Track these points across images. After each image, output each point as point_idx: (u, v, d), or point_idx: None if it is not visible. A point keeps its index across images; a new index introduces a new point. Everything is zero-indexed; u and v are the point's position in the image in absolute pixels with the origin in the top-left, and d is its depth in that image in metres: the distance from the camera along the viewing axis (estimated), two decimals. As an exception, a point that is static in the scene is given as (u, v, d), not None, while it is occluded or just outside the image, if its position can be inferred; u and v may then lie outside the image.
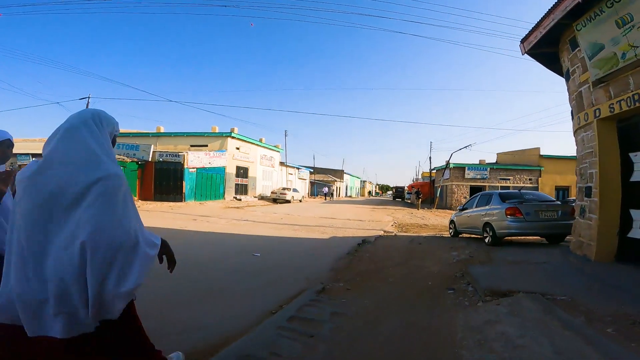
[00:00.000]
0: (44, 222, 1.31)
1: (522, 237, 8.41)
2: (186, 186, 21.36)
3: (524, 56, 8.01)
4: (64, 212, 1.31)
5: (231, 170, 26.29)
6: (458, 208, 10.40)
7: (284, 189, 30.61)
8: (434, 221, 17.02)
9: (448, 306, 3.89)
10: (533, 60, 8.26)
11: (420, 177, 55.70)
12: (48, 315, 1.29)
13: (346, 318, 3.44)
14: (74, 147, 1.37)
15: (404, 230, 12.94)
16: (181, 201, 20.83)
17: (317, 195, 47.09)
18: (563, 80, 7.67)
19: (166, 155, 21.79)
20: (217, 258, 6.17)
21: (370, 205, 30.98)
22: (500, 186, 28.96)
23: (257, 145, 31.12)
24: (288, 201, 28.88)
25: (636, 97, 4.60)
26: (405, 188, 52.03)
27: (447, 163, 30.49)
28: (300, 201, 32.28)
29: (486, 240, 7.96)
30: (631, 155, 4.99)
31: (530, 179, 29.96)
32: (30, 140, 25.15)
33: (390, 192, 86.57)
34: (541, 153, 30.52)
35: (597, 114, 5.29)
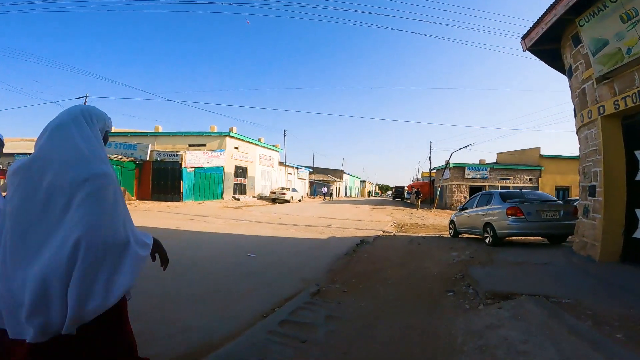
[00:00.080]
0: (32, 221, 1.28)
1: (523, 238, 8.27)
2: (184, 186, 21.21)
3: (525, 54, 7.89)
4: (52, 211, 1.28)
5: (230, 170, 26.15)
6: (458, 208, 10.26)
7: (283, 188, 30.47)
8: (434, 221, 16.89)
9: (448, 309, 3.74)
10: (535, 59, 8.14)
11: (420, 177, 55.58)
12: (23, 318, 1.24)
13: (341, 322, 3.30)
14: (61, 145, 1.33)
15: (403, 230, 12.80)
16: (179, 201, 20.68)
17: (316, 195, 46.95)
18: (564, 78, 7.55)
19: (164, 155, 21.64)
20: (212, 258, 6.03)
21: (370, 205, 30.84)
22: (500, 186, 28.82)
23: (256, 144, 30.98)
24: (287, 201, 28.73)
25: (642, 93, 4.46)
26: (405, 188, 51.90)
27: (447, 163, 30.35)
28: (300, 201, 32.14)
29: (487, 240, 7.82)
30: (637, 153, 4.86)
31: (530, 179, 29.83)
32: (27, 139, 24.98)
33: (390, 192, 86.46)
34: (541, 153, 30.38)
35: (602, 111, 5.15)
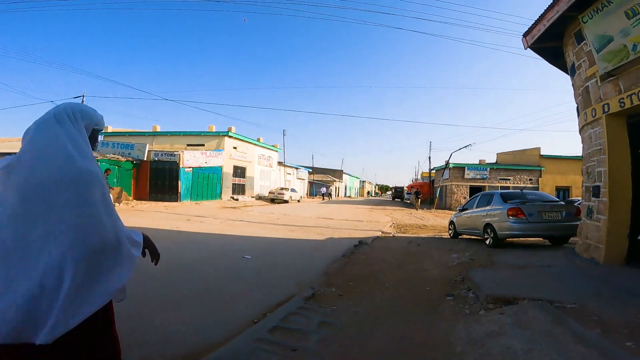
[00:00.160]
0: (18, 221, 1.23)
1: (524, 239, 8.12)
2: (182, 186, 21.04)
3: (526, 52, 7.75)
4: (38, 211, 1.23)
5: (228, 170, 25.99)
6: (458, 208, 10.10)
7: (282, 188, 30.32)
8: (433, 222, 16.74)
9: (447, 315, 3.59)
10: (536, 57, 8.00)
11: (419, 177, 55.45)
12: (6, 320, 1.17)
13: (335, 329, 3.14)
14: (45, 144, 1.29)
15: (402, 231, 12.66)
16: (177, 201, 20.52)
17: (315, 196, 46.79)
18: (565, 77, 7.40)
19: (161, 155, 21.47)
20: (204, 260, 5.87)
21: (369, 206, 30.70)
22: (500, 186, 28.68)
23: (255, 144, 30.82)
24: (286, 201, 28.58)
25: (649, 90, 4.31)
26: (405, 188, 51.79)
27: (447, 163, 30.20)
28: (299, 201, 31.99)
29: (487, 241, 7.67)
30: (642, 152, 4.71)
31: (530, 179, 29.68)
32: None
33: (389, 193, 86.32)
34: (541, 153, 30.24)
35: (606, 110, 4.99)
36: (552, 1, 6.14)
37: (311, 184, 50.89)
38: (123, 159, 20.31)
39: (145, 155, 21.31)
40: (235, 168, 27.37)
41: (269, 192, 30.07)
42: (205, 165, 23.12)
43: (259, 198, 30.00)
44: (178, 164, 20.96)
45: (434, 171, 38.31)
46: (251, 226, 11.77)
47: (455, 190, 29.86)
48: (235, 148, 26.98)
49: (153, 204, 18.80)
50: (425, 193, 34.78)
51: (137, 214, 13.56)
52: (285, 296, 4.00)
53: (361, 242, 8.63)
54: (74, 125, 1.37)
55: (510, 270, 5.31)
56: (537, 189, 27.59)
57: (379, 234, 11.06)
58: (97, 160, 18.60)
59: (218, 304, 3.67)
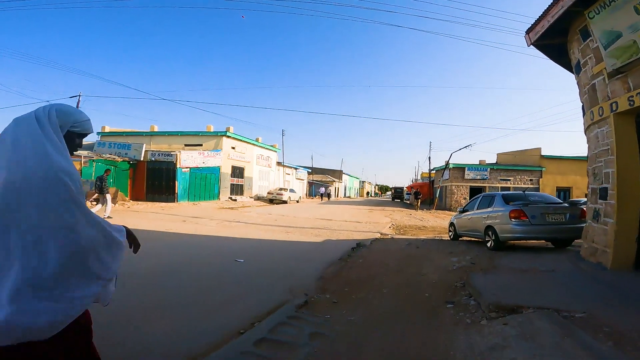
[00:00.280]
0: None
1: (526, 241, 7.90)
2: (179, 186, 20.81)
3: (527, 51, 7.54)
4: (17, 210, 1.22)
5: (226, 170, 25.75)
6: (458, 210, 9.88)
7: (280, 189, 30.10)
8: (433, 223, 16.53)
9: (447, 324, 3.37)
10: (537, 56, 7.78)
11: (419, 177, 55.24)
12: None
13: (327, 340, 2.92)
14: (15, 144, 1.28)
15: (401, 232, 12.44)
16: (174, 202, 20.28)
17: (315, 196, 46.57)
18: (566, 76, 7.20)
19: (158, 155, 21.23)
20: (195, 264, 5.65)
21: (369, 206, 30.48)
22: (501, 187, 28.48)
23: (254, 144, 30.58)
24: (285, 202, 28.36)
25: (660, 87, 4.10)
26: (405, 189, 51.59)
27: (447, 163, 29.99)
28: (298, 202, 31.77)
29: (488, 244, 7.45)
30: (653, 152, 4.50)
31: (531, 180, 29.47)
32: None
33: (389, 193, 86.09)
34: (542, 153, 30.03)
35: (614, 108, 4.78)
36: (556, -4, 5.94)
37: (310, 184, 50.66)
38: (120, 159, 20.08)
39: (142, 155, 21.08)
40: (234, 168, 27.14)
41: (268, 193, 29.85)
42: (203, 165, 22.88)
43: (258, 198, 29.78)
44: (175, 164, 20.72)
45: (433, 171, 38.09)
46: (247, 227, 11.55)
47: (455, 190, 29.64)
48: (233, 148, 26.75)
49: (149, 204, 18.58)
50: (425, 193, 34.56)
51: (132, 215, 13.35)
52: (277, 303, 3.78)
53: (359, 245, 8.42)
54: (50, 124, 1.35)
55: (512, 274, 5.10)
56: (537, 189, 27.40)
57: (377, 235, 10.85)
58: (94, 160, 18.49)
59: (204, 312, 3.45)
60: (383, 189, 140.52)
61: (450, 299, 4.11)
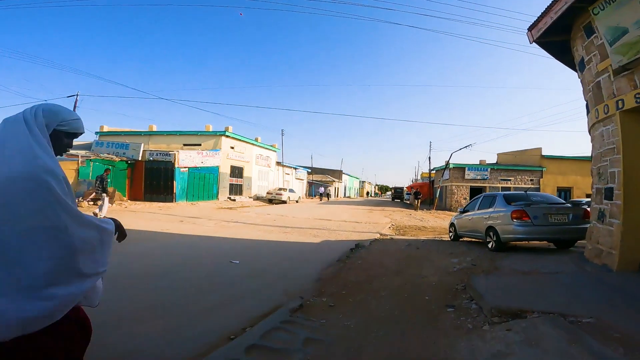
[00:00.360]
0: None
1: (527, 242, 7.76)
2: (177, 186, 20.66)
3: (528, 50, 7.40)
4: (1, 210, 1.21)
5: (225, 170, 25.61)
6: (459, 210, 9.74)
7: (280, 189, 29.97)
8: (433, 223, 16.39)
9: (447, 330, 3.22)
10: (539, 55, 7.65)
11: (419, 177, 55.11)
12: None
13: (322, 346, 2.78)
14: (7, 143, 1.28)
15: (401, 232, 12.30)
16: (172, 201, 20.13)
17: (314, 196, 46.41)
18: (567, 76, 7.06)
19: (156, 154, 21.08)
20: (188, 265, 5.51)
21: (369, 206, 30.33)
22: (501, 187, 28.35)
23: (253, 144, 30.43)
24: (284, 202, 28.22)
25: (668, 83, 3.96)
26: (405, 189, 51.45)
27: (447, 163, 29.85)
28: (297, 202, 31.64)
29: (489, 245, 7.31)
30: (660, 151, 4.36)
31: (531, 180, 29.33)
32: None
33: (389, 193, 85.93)
34: (543, 153, 29.89)
35: (620, 106, 4.64)
36: (559, -9, 5.81)
37: (310, 184, 50.51)
38: (117, 159, 19.95)
39: (140, 155, 20.93)
40: (233, 168, 26.99)
41: (267, 193, 29.70)
42: (202, 165, 22.74)
43: (257, 198, 29.64)
44: (173, 164, 20.58)
45: (433, 171, 37.96)
46: (245, 228, 11.41)
47: (456, 190, 29.50)
48: (232, 148, 26.60)
49: (147, 204, 18.44)
50: (425, 194, 34.41)
51: (129, 215, 13.20)
52: (271, 307, 3.64)
53: (358, 245, 8.28)
54: (35, 124, 1.34)
55: (515, 277, 4.96)
56: (538, 189, 27.25)
57: (377, 236, 10.71)
58: (91, 160, 18.35)
59: (194, 315, 3.31)
60: (383, 189, 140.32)
61: (450, 302, 3.97)
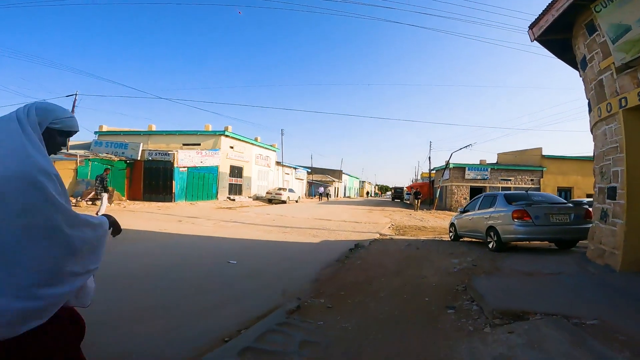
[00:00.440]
0: None
1: (528, 242, 7.69)
2: (176, 186, 20.59)
3: (530, 49, 7.33)
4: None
5: (225, 170, 25.54)
6: (459, 210, 9.66)
7: (279, 189, 29.89)
8: (433, 223, 16.31)
9: (447, 332, 3.15)
10: (540, 54, 7.57)
11: (419, 177, 55.03)
12: None
13: (319, 349, 2.71)
14: (1, 142, 1.26)
15: (401, 232, 12.22)
16: (171, 201, 20.06)
17: (314, 196, 46.31)
18: (569, 75, 6.99)
19: (155, 154, 21.01)
20: (186, 265, 5.44)
21: (368, 206, 30.24)
22: (502, 187, 28.27)
23: (252, 144, 30.36)
24: (284, 202, 28.14)
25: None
26: (405, 189, 51.36)
27: (447, 163, 29.76)
28: (297, 202, 31.56)
29: (490, 245, 7.23)
30: (664, 149, 4.28)
31: (532, 180, 29.24)
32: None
33: (389, 193, 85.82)
34: (543, 153, 29.80)
35: (623, 104, 4.57)
36: (561, -11, 5.73)
37: (310, 184, 50.43)
38: (116, 159, 19.89)
39: (139, 154, 20.87)
40: (232, 168, 26.92)
41: (267, 193, 29.62)
42: (201, 164, 22.67)
43: (257, 198, 29.57)
44: (172, 164, 20.51)
45: (434, 171, 37.88)
46: (244, 228, 11.34)
47: (456, 190, 29.42)
48: (232, 147, 26.53)
49: (146, 204, 18.37)
50: (425, 194, 34.33)
51: (127, 215, 13.13)
52: (267, 308, 3.57)
53: (357, 245, 8.20)
54: (28, 122, 1.32)
55: (516, 277, 4.88)
56: (538, 189, 27.17)
57: (376, 236, 10.63)
58: (90, 159, 18.29)
59: (187, 318, 3.24)
60: (383, 189, 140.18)
61: (451, 304, 3.89)
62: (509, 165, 30.60)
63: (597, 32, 5.48)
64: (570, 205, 7.39)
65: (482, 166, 30.24)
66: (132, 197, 20.04)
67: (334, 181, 59.22)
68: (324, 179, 56.09)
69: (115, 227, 1.67)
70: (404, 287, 4.66)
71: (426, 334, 3.10)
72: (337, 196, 58.28)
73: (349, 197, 68.24)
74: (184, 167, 21.22)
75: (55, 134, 1.42)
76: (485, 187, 28.65)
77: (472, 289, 4.25)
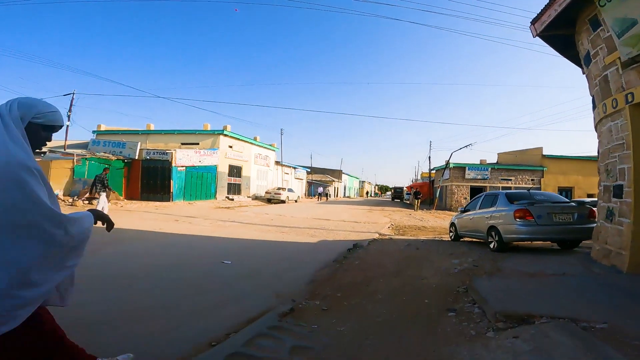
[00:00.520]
0: None
1: (530, 242, 7.53)
2: (174, 185, 20.43)
3: (531, 46, 7.19)
4: None
5: (223, 169, 25.38)
6: (459, 209, 9.50)
7: (278, 188, 29.74)
8: (433, 223, 16.16)
9: (448, 336, 2.99)
10: (542, 52, 7.42)
11: (419, 177, 54.89)
12: None
13: (311, 355, 2.55)
14: None
15: (400, 232, 12.07)
16: (169, 201, 19.91)
17: (314, 196, 46.16)
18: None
19: (153, 153, 20.85)
20: (178, 265, 5.28)
21: (368, 206, 30.08)
22: (502, 187, 28.10)
23: (251, 143, 30.21)
24: (283, 201, 28.00)
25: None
26: (404, 189, 51.22)
27: (447, 163, 29.62)
28: (296, 201, 31.42)
29: (491, 245, 7.07)
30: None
31: (532, 180, 29.10)
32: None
33: (389, 193, 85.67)
34: (544, 153, 29.66)
35: (630, 99, 4.42)
36: (564, -18, 5.59)
37: (310, 184, 50.28)
38: (114, 158, 19.73)
39: (137, 153, 20.72)
40: (231, 167, 26.77)
41: (266, 192, 29.48)
42: (199, 164, 22.51)
43: (256, 198, 29.41)
44: (170, 163, 20.35)
45: (433, 171, 37.74)
46: (241, 227, 11.19)
47: (456, 190, 29.27)
48: (230, 147, 26.38)
49: (144, 203, 18.21)
50: (425, 193, 34.18)
51: (124, 214, 12.98)
52: (260, 311, 3.41)
53: (356, 245, 8.04)
54: (10, 118, 1.31)
55: (519, 278, 4.72)
56: (539, 189, 27.02)
57: (376, 236, 10.48)
58: (87, 159, 18.14)
59: (174, 321, 3.07)
60: (383, 189, 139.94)
61: (451, 306, 3.73)
62: (509, 165, 30.46)
63: (601, 27, 5.34)
64: (574, 204, 7.24)
65: (482, 166, 30.09)
66: (130, 196, 19.88)
67: (334, 181, 59.05)
68: (323, 179, 55.93)
69: (104, 220, 1.64)
70: (403, 289, 4.50)
71: (426, 338, 2.94)
72: (337, 196, 58.12)
73: (348, 197, 68.08)
74: (182, 166, 21.07)
75: (39, 129, 1.41)
76: (485, 187, 28.49)
77: (474, 291, 4.09)
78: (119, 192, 19.31)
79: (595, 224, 5.54)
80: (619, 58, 4.79)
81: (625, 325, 2.84)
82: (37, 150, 1.59)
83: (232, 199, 25.39)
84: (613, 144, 4.74)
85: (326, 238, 9.52)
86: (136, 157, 20.65)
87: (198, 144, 24.50)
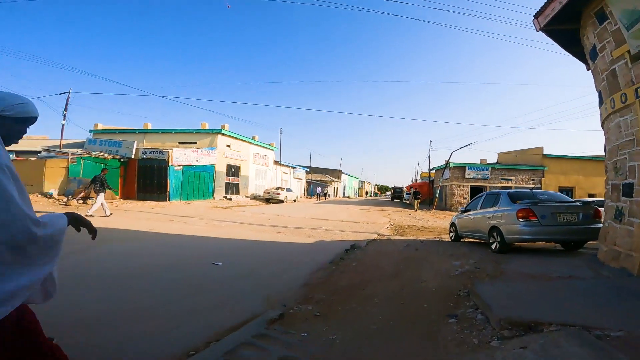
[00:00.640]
0: None
1: (533, 243, 7.30)
2: (171, 185, 20.18)
3: (532, 43, 6.96)
4: None
5: (221, 169, 25.12)
6: (460, 209, 9.27)
7: (277, 188, 29.48)
8: (433, 223, 15.92)
9: (449, 345, 2.76)
10: (543, 49, 7.20)
11: (419, 177, 54.66)
12: None
13: (300, 368, 2.32)
14: None
15: (400, 233, 11.83)
16: (165, 200, 19.66)
17: (313, 196, 45.91)
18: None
19: (150, 152, 20.60)
20: (165, 267, 5.05)
21: (367, 206, 29.84)
22: (502, 187, 27.87)
23: (250, 143, 29.96)
24: (281, 201, 27.75)
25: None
26: (404, 188, 50.98)
27: (447, 162, 29.38)
28: (295, 201, 31.17)
29: (493, 246, 6.84)
30: (686, 141, 3.90)
31: (533, 179, 28.86)
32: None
33: (389, 193, 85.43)
34: (544, 152, 29.43)
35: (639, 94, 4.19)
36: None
37: (309, 183, 50.03)
38: (110, 157, 19.49)
39: (133, 153, 20.47)
40: (229, 167, 26.52)
41: (264, 192, 29.21)
42: (197, 163, 22.26)
43: (254, 198, 29.17)
44: (167, 162, 20.10)
45: (433, 171, 37.50)
46: (237, 227, 10.95)
47: (456, 190, 29.04)
48: (228, 146, 26.13)
49: (140, 203, 17.97)
50: (424, 193, 33.95)
51: (119, 214, 12.73)
52: (247, 317, 3.18)
53: (354, 246, 7.81)
54: None
55: (524, 282, 4.50)
56: (539, 189, 26.80)
57: (374, 236, 10.25)
58: (82, 158, 17.90)
59: (153, 326, 2.85)
60: (382, 189, 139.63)
61: (452, 312, 3.51)
62: (509, 164, 30.21)
63: (608, 20, 5.13)
64: (578, 204, 7.01)
65: (482, 165, 29.86)
66: (126, 196, 19.62)
67: (333, 181, 58.81)
68: (323, 179, 55.68)
69: (85, 226, 1.55)
70: (401, 292, 4.27)
71: (425, 348, 2.72)
72: (336, 196, 57.88)
73: (348, 197, 67.82)
74: (179, 165, 20.81)
75: (11, 122, 1.36)
76: (485, 186, 28.26)
77: (476, 295, 3.86)
78: (115, 192, 19.05)
79: (602, 225, 5.32)
80: (628, 51, 4.57)
81: (641, 333, 2.61)
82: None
83: (230, 199, 25.15)
84: (622, 140, 4.52)
85: (323, 238, 9.29)
86: (132, 157, 20.40)
87: (196, 143, 24.25)
